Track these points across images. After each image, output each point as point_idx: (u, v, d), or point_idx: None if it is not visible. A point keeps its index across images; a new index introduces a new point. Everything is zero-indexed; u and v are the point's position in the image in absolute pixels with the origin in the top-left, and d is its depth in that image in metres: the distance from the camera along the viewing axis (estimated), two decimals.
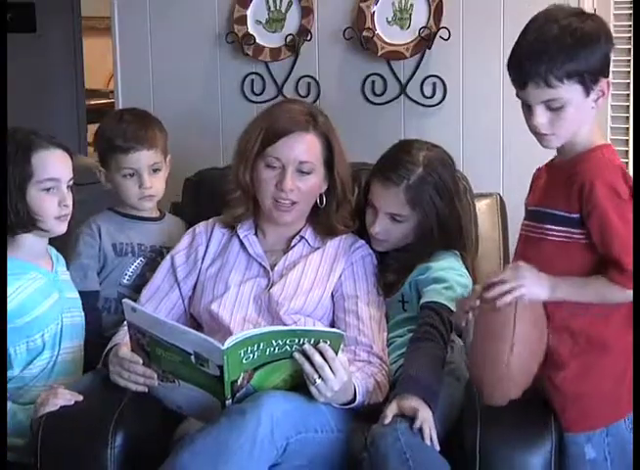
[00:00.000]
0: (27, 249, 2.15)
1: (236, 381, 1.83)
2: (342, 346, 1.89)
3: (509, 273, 1.85)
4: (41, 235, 2.16)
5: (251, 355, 1.81)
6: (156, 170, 2.40)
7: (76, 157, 2.30)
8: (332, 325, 2.18)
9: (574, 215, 1.83)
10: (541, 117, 1.82)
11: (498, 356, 1.84)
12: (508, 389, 1.86)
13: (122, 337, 2.06)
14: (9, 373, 2.11)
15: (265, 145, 2.15)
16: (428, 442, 1.84)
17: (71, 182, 2.18)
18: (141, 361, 1.93)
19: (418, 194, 2.15)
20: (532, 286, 1.83)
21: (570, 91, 1.79)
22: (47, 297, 2.16)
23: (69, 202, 2.15)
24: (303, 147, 2.15)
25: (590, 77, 1.79)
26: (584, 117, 1.84)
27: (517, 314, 1.83)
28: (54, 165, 2.14)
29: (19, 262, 2.12)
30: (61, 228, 2.17)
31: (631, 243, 1.77)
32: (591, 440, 1.89)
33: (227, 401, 1.84)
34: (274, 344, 1.83)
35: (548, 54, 1.78)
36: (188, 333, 1.84)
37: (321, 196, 2.23)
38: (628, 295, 1.80)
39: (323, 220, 2.25)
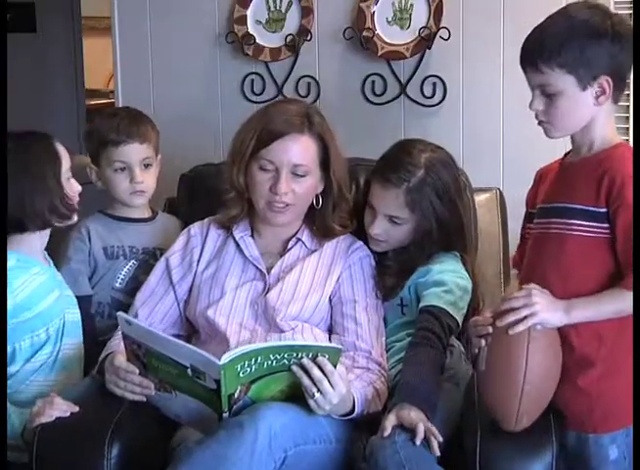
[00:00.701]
0: (30, 245, 2.17)
1: (233, 394, 1.82)
2: (339, 360, 1.88)
3: (521, 300, 1.81)
4: (59, 225, 2.20)
5: (249, 369, 1.80)
6: (147, 166, 2.39)
7: (74, 156, 2.31)
8: (330, 330, 2.17)
9: (602, 210, 1.81)
10: (537, 102, 1.85)
11: (511, 389, 1.82)
12: (521, 418, 1.84)
13: (117, 344, 2.04)
14: (11, 368, 2.11)
15: (259, 147, 2.12)
16: (437, 451, 1.82)
17: None
18: (137, 371, 1.92)
19: (418, 197, 2.12)
20: (545, 312, 1.80)
21: (561, 80, 1.81)
22: (50, 292, 2.17)
23: (80, 188, 2.21)
24: (298, 149, 2.11)
25: (586, 72, 1.80)
26: (583, 111, 1.84)
27: (530, 344, 1.80)
28: (67, 155, 2.20)
29: (24, 257, 2.14)
30: (77, 216, 2.22)
31: None
32: (615, 440, 1.88)
33: (224, 414, 1.83)
34: (272, 358, 1.82)
35: (545, 42, 1.81)
36: (184, 347, 1.83)
37: (317, 197, 2.21)
38: None
39: (319, 222, 2.22)
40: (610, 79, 1.81)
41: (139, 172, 2.37)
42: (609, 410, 1.88)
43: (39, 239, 2.18)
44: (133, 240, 2.42)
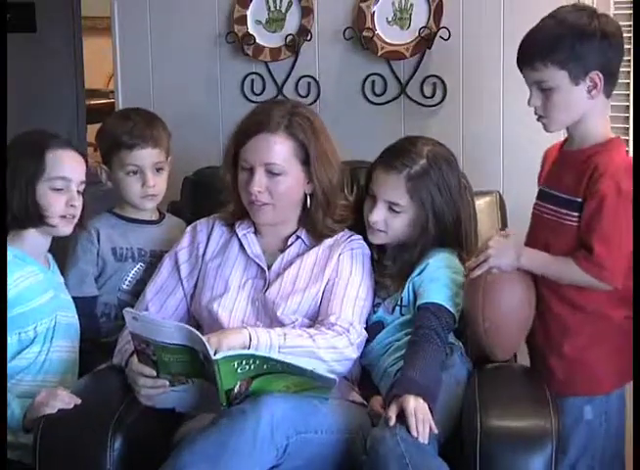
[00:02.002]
0: (31, 245, 2.17)
1: (232, 389, 1.84)
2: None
3: (482, 246, 2.07)
4: (48, 233, 2.18)
5: (247, 367, 1.82)
6: (159, 170, 2.40)
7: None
8: None
9: (579, 200, 2.00)
10: (535, 98, 2.02)
11: (476, 325, 2.06)
12: (495, 351, 2.10)
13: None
14: None
15: (238, 147, 2.17)
16: (423, 439, 1.83)
17: (83, 187, 2.20)
18: (154, 373, 1.93)
19: (418, 185, 2.15)
20: (497, 257, 2.03)
21: (555, 76, 1.97)
22: (43, 292, 2.17)
23: (78, 203, 2.18)
24: (269, 148, 2.14)
25: (577, 67, 1.96)
26: (578, 105, 2.01)
27: (485, 286, 2.04)
28: (67, 165, 2.17)
29: (21, 254, 2.15)
30: (66, 229, 2.19)
31: (611, 239, 1.95)
32: (591, 402, 2.09)
33: (222, 407, 1.85)
34: (271, 363, 1.84)
35: (539, 42, 1.99)
36: (192, 332, 1.84)
37: (308, 197, 2.22)
38: (586, 279, 1.97)
39: (310, 223, 2.24)
40: (600, 74, 1.97)
41: (151, 176, 2.37)
42: (589, 374, 2.08)
43: (37, 239, 2.18)
44: (142, 242, 2.42)
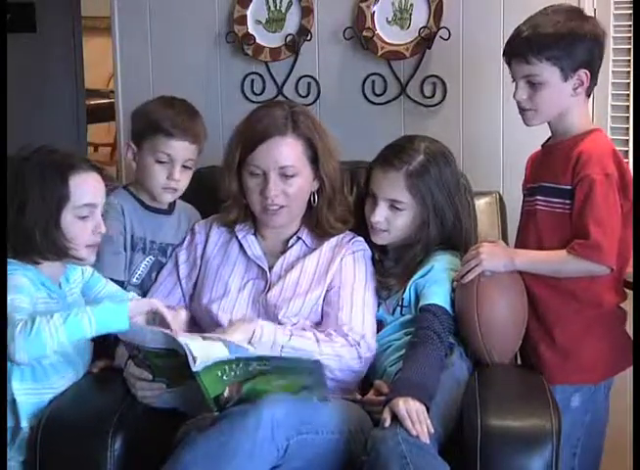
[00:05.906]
0: (48, 266, 2.01)
1: (221, 395, 1.82)
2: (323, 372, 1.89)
3: (472, 253, 2.09)
4: (70, 263, 2.04)
5: (233, 374, 1.81)
6: (187, 168, 2.32)
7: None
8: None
9: (569, 187, 2.06)
10: (522, 91, 2.10)
11: (472, 329, 2.07)
12: (492, 354, 2.09)
13: None
14: None
15: (245, 154, 2.16)
16: (424, 439, 1.82)
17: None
18: (149, 376, 1.93)
19: (418, 181, 2.16)
20: (490, 260, 2.06)
21: (546, 71, 2.05)
22: None
23: (103, 229, 2.03)
24: (282, 151, 2.15)
25: (569, 65, 2.05)
26: (563, 100, 2.09)
27: (478, 290, 2.06)
28: (91, 190, 2.01)
29: (36, 275, 1.98)
30: (92, 257, 2.04)
31: (604, 221, 2.00)
32: (579, 391, 2.14)
33: (215, 413, 1.84)
34: (254, 364, 1.82)
35: (535, 38, 2.05)
36: (175, 340, 1.81)
37: (313, 195, 2.24)
38: (582, 269, 2.01)
39: (317, 219, 2.25)
40: (588, 73, 2.06)
41: (179, 170, 2.29)
42: (581, 365, 2.13)
43: (56, 265, 2.02)
44: (154, 233, 2.33)
